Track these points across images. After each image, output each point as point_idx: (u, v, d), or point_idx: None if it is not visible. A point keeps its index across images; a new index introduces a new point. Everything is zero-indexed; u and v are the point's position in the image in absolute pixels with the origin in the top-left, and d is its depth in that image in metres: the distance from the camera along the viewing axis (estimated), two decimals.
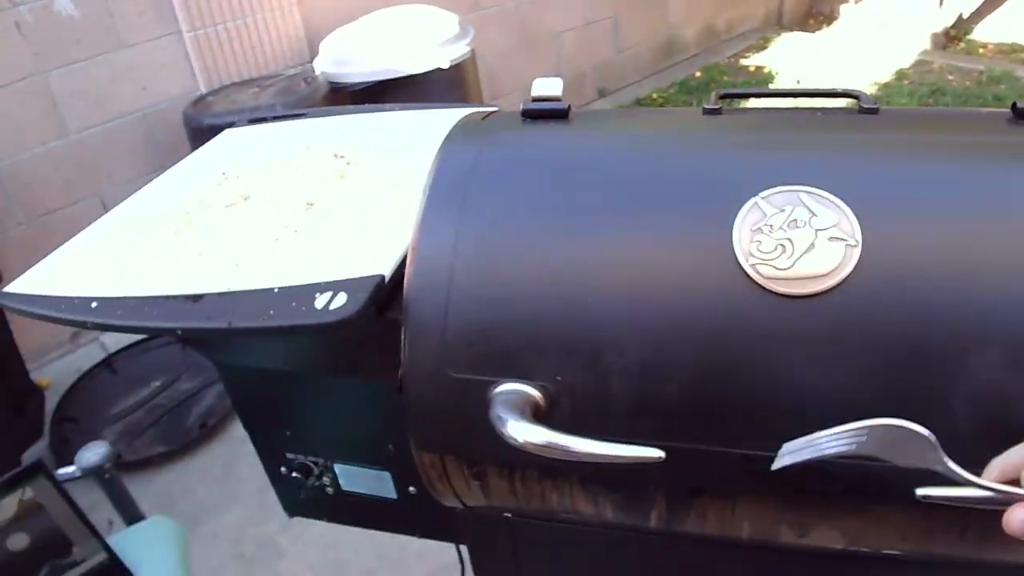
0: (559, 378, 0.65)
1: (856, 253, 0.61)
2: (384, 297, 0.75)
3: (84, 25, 2.63)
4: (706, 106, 0.78)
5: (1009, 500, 0.53)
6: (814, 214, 0.63)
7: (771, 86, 4.86)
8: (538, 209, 0.69)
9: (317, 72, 2.95)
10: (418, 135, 1.09)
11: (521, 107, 0.79)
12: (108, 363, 2.75)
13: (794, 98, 0.86)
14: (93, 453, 1.37)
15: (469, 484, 0.77)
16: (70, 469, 1.40)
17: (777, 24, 6.24)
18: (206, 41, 2.89)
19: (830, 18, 6.41)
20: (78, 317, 0.75)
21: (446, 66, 2.90)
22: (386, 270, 0.73)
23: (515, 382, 0.66)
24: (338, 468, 1.05)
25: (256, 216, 0.89)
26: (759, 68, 5.21)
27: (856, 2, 6.23)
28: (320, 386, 0.97)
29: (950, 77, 4.85)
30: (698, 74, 5.17)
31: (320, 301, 0.69)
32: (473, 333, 0.67)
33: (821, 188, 0.64)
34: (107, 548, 1.32)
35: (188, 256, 0.82)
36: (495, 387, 0.66)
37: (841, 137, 0.71)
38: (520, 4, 4.17)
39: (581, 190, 0.69)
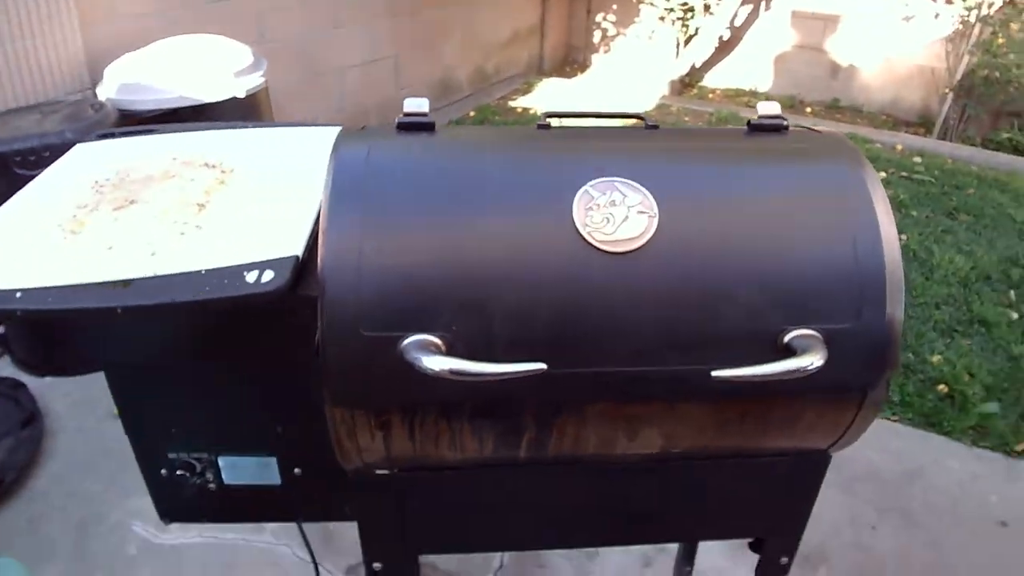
0: (454, 327, 0.84)
1: (656, 222, 0.87)
2: (296, 277, 0.89)
3: None
4: (538, 123, 1.02)
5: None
6: (625, 196, 0.88)
7: None
8: (426, 196, 0.88)
9: (102, 99, 2.86)
10: (277, 146, 1.23)
11: (396, 121, 0.98)
12: None
13: (599, 118, 1.13)
14: None
15: (374, 436, 0.92)
16: None
17: (539, 70, 6.89)
18: None
19: (584, 66, 7.19)
20: (5, 306, 0.81)
21: (243, 95, 2.96)
22: (298, 251, 0.88)
23: (420, 334, 0.84)
24: (222, 461, 1.13)
25: (150, 217, 0.98)
26: (526, 109, 5.73)
27: (605, 53, 7.04)
28: (210, 377, 1.07)
29: (686, 118, 5.68)
30: (472, 113, 5.57)
31: (251, 277, 0.83)
32: (383, 297, 0.84)
33: (629, 178, 0.89)
34: None
35: (98, 250, 0.90)
36: (403, 340, 0.84)
37: (638, 144, 0.98)
38: (305, 39, 4.28)
39: (459, 182, 0.90)
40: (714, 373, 0.82)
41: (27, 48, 2.82)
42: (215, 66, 2.97)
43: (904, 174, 4.66)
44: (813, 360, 0.83)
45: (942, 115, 5.55)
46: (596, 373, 0.87)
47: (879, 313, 0.90)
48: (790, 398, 0.93)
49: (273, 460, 1.12)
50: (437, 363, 0.79)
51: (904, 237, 3.78)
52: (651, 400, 0.90)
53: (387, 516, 1.07)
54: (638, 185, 0.89)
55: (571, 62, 7.26)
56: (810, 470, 1.10)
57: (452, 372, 0.79)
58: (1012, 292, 3.35)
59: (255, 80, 3.06)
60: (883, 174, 4.60)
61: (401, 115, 0.99)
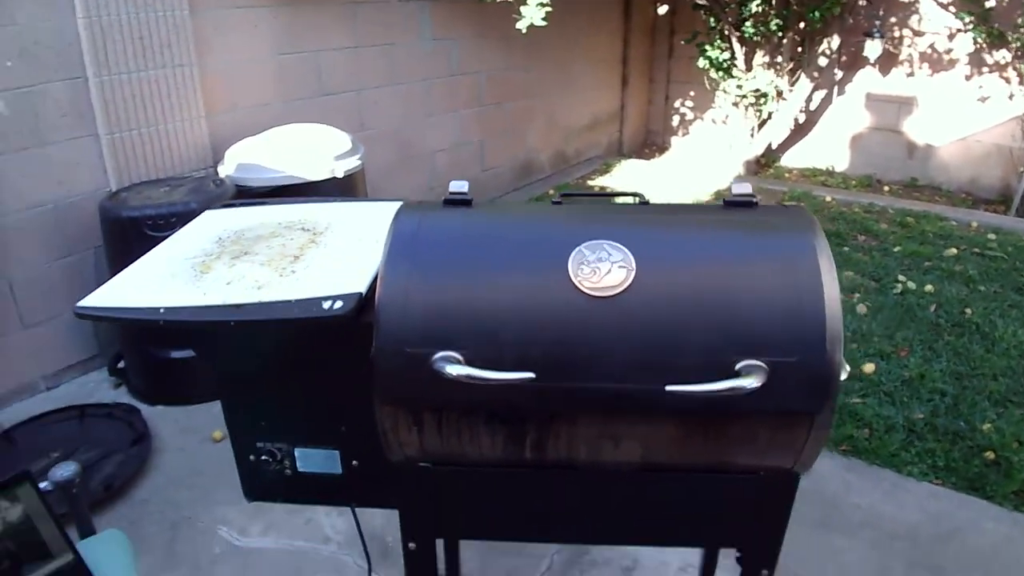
0: (473, 348, 1.12)
1: (632, 274, 1.13)
2: (359, 307, 1.19)
3: (12, 120, 2.93)
4: (553, 200, 1.31)
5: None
6: (610, 254, 1.15)
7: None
8: (457, 255, 1.18)
9: (222, 175, 3.35)
10: (358, 217, 1.56)
11: (443, 198, 1.29)
12: (6, 435, 2.87)
13: (604, 197, 1.41)
14: (64, 470, 1.64)
15: (411, 430, 1.20)
16: (43, 484, 1.65)
17: (618, 152, 7.24)
18: (120, 144, 3.25)
19: (663, 148, 7.51)
20: (151, 318, 1.15)
21: (341, 175, 3.39)
22: (362, 289, 1.19)
23: (447, 351, 1.11)
24: (297, 452, 1.43)
25: (259, 264, 1.32)
26: (603, 188, 6.06)
27: (683, 136, 7.35)
28: (292, 383, 1.37)
29: (759, 196, 5.86)
30: (551, 192, 5.94)
31: (326, 305, 1.13)
32: (421, 325, 1.13)
33: (614, 240, 1.16)
34: (76, 552, 1.58)
35: (219, 284, 1.24)
36: (434, 355, 1.12)
37: (628, 216, 1.26)
38: (400, 127, 4.78)
39: (483, 245, 1.19)
40: (668, 387, 1.06)
41: (160, 132, 3.37)
42: (318, 151, 3.42)
43: (976, 250, 4.69)
44: (751, 382, 1.06)
45: (1019, 193, 5.54)
46: (580, 387, 1.12)
47: (820, 352, 1.12)
48: (744, 417, 1.15)
49: (337, 453, 1.40)
50: (456, 370, 1.07)
51: (969, 311, 3.83)
52: (626, 412, 1.15)
53: (422, 503, 1.33)
54: (621, 246, 1.16)
55: (650, 144, 7.60)
56: (778, 489, 1.29)
57: (467, 377, 1.06)
58: None
59: (353, 163, 3.50)
60: (954, 250, 4.65)
61: (448, 193, 1.30)
